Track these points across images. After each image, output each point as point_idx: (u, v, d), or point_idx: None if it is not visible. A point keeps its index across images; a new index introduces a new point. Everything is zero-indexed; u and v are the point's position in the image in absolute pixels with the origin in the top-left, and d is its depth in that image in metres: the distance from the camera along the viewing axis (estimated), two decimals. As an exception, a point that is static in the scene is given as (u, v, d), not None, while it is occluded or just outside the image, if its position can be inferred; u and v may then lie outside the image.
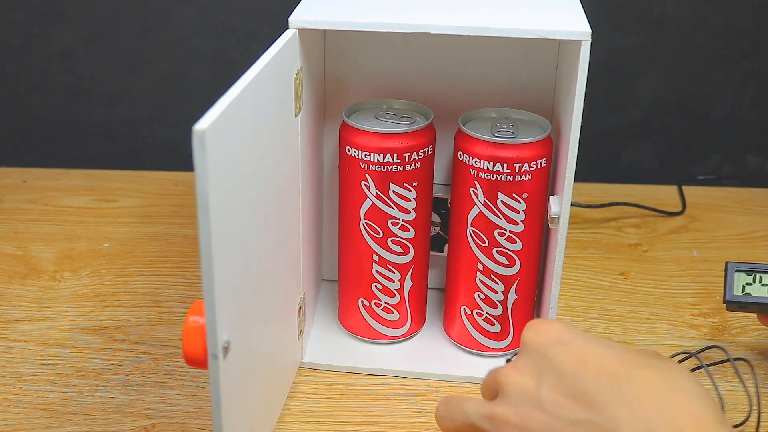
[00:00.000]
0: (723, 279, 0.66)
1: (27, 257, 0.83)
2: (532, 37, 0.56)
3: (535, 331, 0.50)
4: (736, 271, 0.66)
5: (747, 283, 0.65)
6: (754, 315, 0.76)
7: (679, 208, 0.93)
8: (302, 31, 0.57)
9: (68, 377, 0.67)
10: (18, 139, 1.02)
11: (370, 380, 0.67)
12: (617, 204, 0.92)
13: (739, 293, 0.65)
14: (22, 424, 0.62)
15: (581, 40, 0.55)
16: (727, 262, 0.66)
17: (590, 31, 0.55)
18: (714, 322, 0.75)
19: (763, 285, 0.65)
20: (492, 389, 0.52)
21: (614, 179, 1.00)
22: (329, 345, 0.70)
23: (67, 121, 1.00)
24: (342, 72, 0.70)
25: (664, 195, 0.97)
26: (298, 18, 0.57)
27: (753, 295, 0.65)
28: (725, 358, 0.63)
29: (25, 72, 0.98)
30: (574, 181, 0.59)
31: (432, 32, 0.56)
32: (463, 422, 0.52)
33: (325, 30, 0.67)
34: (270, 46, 0.53)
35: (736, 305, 0.66)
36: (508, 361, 0.58)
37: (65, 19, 0.96)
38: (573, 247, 0.86)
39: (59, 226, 0.89)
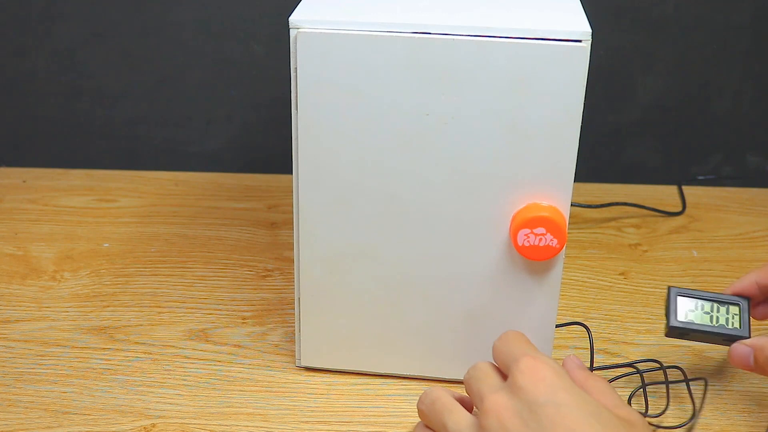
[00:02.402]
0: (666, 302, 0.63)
1: (27, 257, 0.83)
2: (532, 36, 0.56)
3: (530, 378, 0.49)
4: (679, 296, 0.63)
5: (690, 310, 0.62)
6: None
7: (679, 208, 0.93)
8: None
9: (68, 377, 0.67)
10: (18, 139, 1.02)
11: (370, 380, 0.67)
12: (617, 204, 0.92)
13: (684, 319, 0.61)
14: (22, 424, 0.62)
15: (581, 40, 0.55)
16: (669, 287, 0.63)
17: (590, 31, 0.55)
18: (714, 322, 0.75)
19: (705, 313, 0.62)
20: (473, 397, 0.52)
21: (614, 179, 1.00)
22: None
23: (67, 121, 1.00)
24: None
25: (664, 195, 0.97)
26: (298, 18, 0.57)
27: (696, 322, 0.61)
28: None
29: (25, 72, 0.98)
30: (574, 181, 0.59)
31: (432, 32, 0.56)
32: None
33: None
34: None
35: (678, 332, 0.62)
36: None
37: (65, 19, 0.96)
38: (573, 247, 0.86)
39: (59, 226, 0.89)
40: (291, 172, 0.62)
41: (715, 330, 0.61)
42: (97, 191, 0.96)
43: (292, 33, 0.57)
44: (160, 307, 0.76)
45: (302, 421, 0.63)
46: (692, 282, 0.81)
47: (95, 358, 0.69)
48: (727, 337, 0.61)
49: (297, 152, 0.60)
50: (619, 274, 0.82)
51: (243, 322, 0.74)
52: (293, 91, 0.59)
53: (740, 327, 0.61)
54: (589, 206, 0.91)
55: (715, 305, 0.62)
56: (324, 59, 0.57)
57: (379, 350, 0.66)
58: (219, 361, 0.69)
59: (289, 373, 0.68)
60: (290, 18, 0.57)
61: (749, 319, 0.62)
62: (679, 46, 0.95)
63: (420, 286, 0.63)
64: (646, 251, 0.86)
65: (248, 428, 0.62)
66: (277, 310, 0.76)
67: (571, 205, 0.63)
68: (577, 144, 0.58)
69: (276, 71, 0.95)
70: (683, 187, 0.96)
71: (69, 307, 0.76)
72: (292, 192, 0.62)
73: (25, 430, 0.62)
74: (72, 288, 0.79)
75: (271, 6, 0.93)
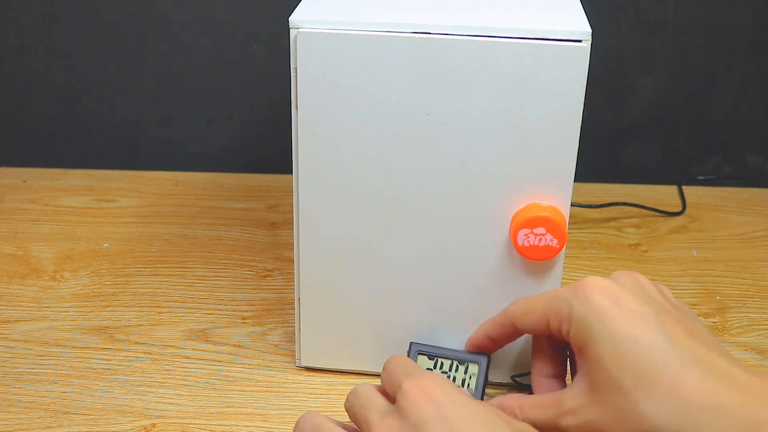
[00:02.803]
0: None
1: (27, 257, 0.83)
2: (532, 36, 0.56)
3: (413, 400, 0.47)
4: (419, 353, 0.62)
5: (428, 369, 0.61)
6: (756, 314, 0.76)
7: (679, 208, 0.93)
8: None
9: (68, 377, 0.67)
10: (18, 139, 1.02)
11: (370, 380, 0.67)
12: (617, 204, 0.92)
13: None
14: (22, 424, 0.62)
15: (581, 40, 0.55)
16: (411, 343, 0.63)
17: (590, 31, 0.55)
18: (714, 322, 0.75)
19: (443, 373, 0.61)
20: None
21: (614, 179, 1.00)
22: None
23: (67, 121, 1.00)
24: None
25: (664, 195, 0.97)
26: (298, 18, 0.57)
27: None
28: None
29: (25, 72, 0.98)
30: (574, 181, 0.59)
31: (432, 32, 0.56)
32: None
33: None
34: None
35: None
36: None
37: (65, 19, 0.96)
38: (573, 247, 0.86)
39: (59, 226, 0.89)
40: (291, 172, 0.62)
41: None
42: (97, 191, 0.96)
43: (292, 33, 0.57)
44: (160, 307, 0.76)
45: (302, 421, 0.63)
46: (692, 282, 0.81)
47: (95, 358, 0.69)
48: None
49: (297, 152, 0.60)
50: (619, 274, 0.82)
51: (243, 322, 0.74)
52: (293, 91, 0.59)
53: (474, 390, 0.60)
54: (589, 206, 0.91)
55: (455, 364, 0.61)
56: (324, 59, 0.57)
57: (379, 350, 0.66)
58: (219, 361, 0.69)
59: (289, 373, 0.68)
60: (290, 18, 0.57)
61: (485, 380, 0.60)
62: (679, 46, 0.95)
63: (420, 286, 0.63)
64: (646, 251, 0.86)
65: (248, 428, 0.62)
66: (277, 310, 0.76)
67: (571, 205, 0.63)
68: (577, 144, 0.58)
69: (276, 71, 0.95)
70: (683, 187, 0.96)
71: (69, 307, 0.76)
72: (292, 192, 0.62)
73: (25, 430, 0.62)
74: (72, 288, 0.79)
75: (271, 6, 0.93)
